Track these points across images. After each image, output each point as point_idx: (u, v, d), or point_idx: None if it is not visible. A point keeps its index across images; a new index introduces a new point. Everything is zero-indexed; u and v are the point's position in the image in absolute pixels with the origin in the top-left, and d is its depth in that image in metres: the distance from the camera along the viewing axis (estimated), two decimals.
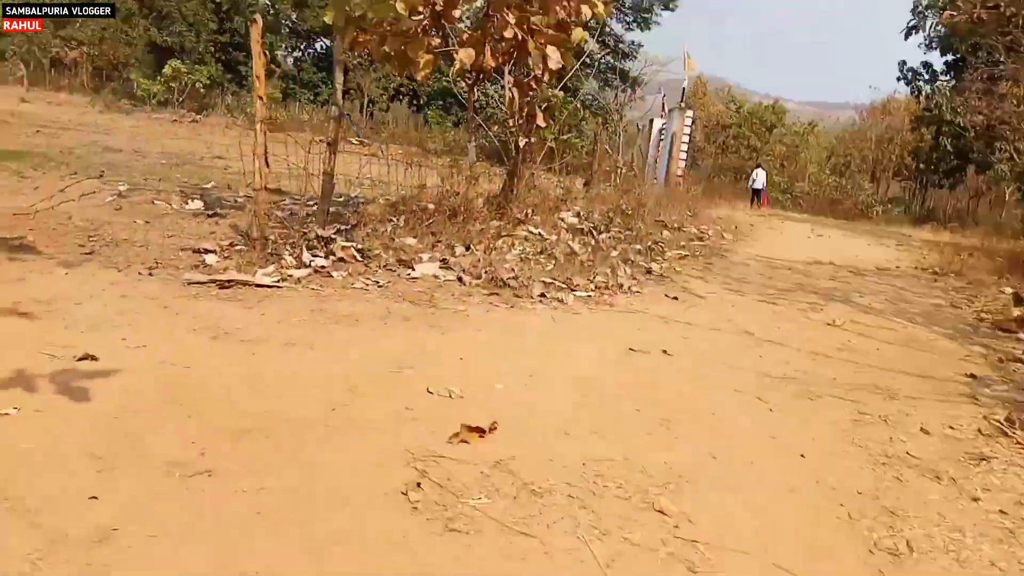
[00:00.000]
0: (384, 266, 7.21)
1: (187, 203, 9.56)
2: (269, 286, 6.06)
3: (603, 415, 4.19)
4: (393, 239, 8.17)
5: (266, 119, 6.74)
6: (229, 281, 5.95)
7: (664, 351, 5.61)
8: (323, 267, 6.77)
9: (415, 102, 38.64)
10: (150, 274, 5.99)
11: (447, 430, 3.66)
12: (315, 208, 9.73)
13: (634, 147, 19.75)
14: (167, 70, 29.58)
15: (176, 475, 2.96)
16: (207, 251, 6.84)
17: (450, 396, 4.18)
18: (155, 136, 19.47)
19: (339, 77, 8.11)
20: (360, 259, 7.21)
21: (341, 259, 7.10)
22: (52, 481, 2.81)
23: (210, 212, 8.84)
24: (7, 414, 3.28)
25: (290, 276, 6.39)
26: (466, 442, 3.60)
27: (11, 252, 6.15)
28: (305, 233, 7.24)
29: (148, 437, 3.25)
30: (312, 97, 37.57)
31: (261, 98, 6.67)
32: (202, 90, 31.18)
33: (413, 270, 7.19)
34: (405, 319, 5.68)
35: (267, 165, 6.72)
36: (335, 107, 7.73)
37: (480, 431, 3.68)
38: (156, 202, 9.33)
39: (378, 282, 6.61)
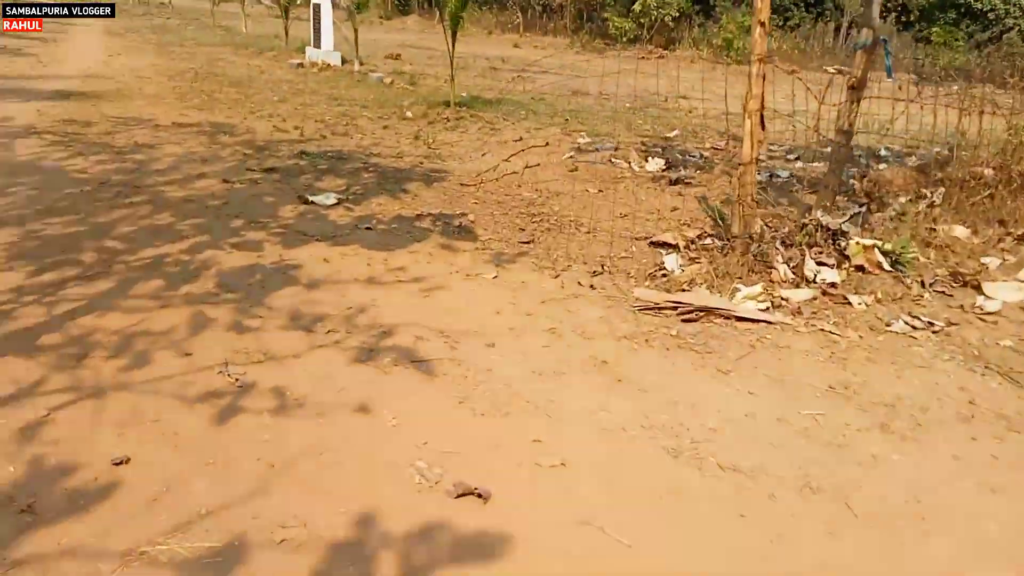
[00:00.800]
0: (929, 284, 4.37)
1: (646, 161, 7.73)
2: (755, 320, 3.80)
3: None
4: (932, 229, 5.19)
5: (766, 56, 4.33)
6: (696, 311, 3.85)
7: None
8: (833, 285, 4.25)
9: (903, 18, 31.66)
10: (591, 286, 4.19)
11: None
12: (804, 170, 7.10)
13: None
14: (636, 7, 28.56)
15: None
16: (667, 246, 4.85)
17: None
18: (622, 75, 18.41)
19: None
20: (888, 268, 4.49)
21: (860, 268, 4.48)
22: None
23: (673, 178, 6.84)
24: None
25: (784, 302, 4.04)
26: None
27: (447, 237, 4.94)
28: (804, 225, 4.75)
29: None
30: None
31: (762, 24, 4.27)
32: (671, 23, 29.59)
33: (984, 296, 4.23)
34: (1009, 428, 2.93)
35: (762, 126, 4.36)
36: (865, 30, 4.92)
37: None
38: (613, 160, 7.69)
39: (932, 322, 3.85)
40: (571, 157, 7.71)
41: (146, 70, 12.10)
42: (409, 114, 9.76)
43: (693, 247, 4.80)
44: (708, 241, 4.87)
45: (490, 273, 4.32)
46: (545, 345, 3.40)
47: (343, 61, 14.64)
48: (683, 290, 4.14)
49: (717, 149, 8.93)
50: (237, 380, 2.87)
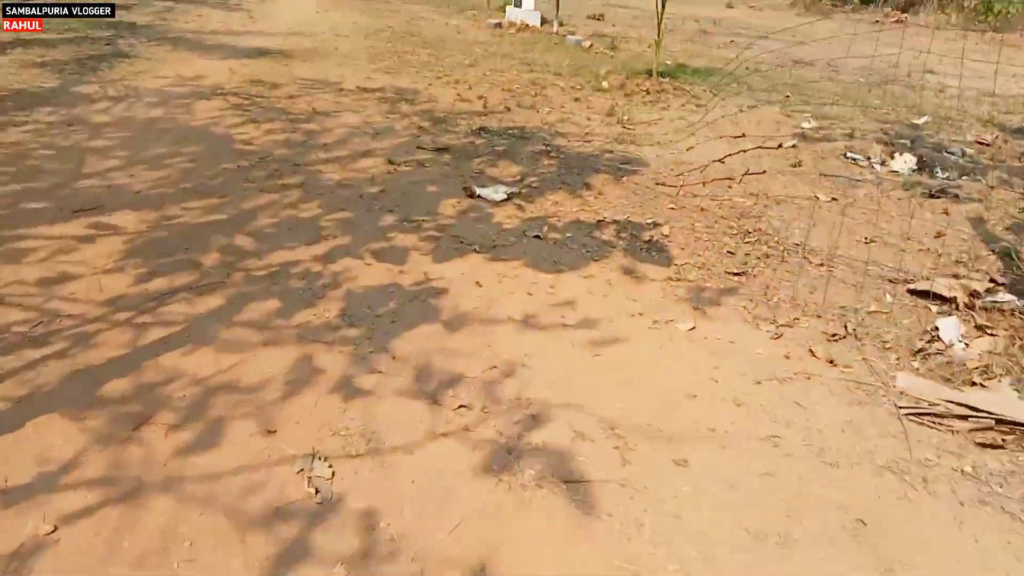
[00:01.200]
0: None
1: (891, 158, 6.06)
2: None
3: None
4: None
5: None
6: (997, 425, 2.49)
7: None
8: None
9: None
10: (830, 360, 2.92)
11: None
12: None
13: None
14: None
15: None
16: (940, 300, 3.42)
17: None
18: (853, 43, 15.79)
19: None
20: None
21: None
22: None
23: (934, 187, 5.20)
24: None
25: None
26: None
27: (633, 256, 3.84)
28: None
29: None
30: None
31: None
32: None
33: None
34: None
35: None
36: None
37: None
38: (848, 155, 6.10)
39: None
40: (794, 146, 6.22)
41: (346, 27, 11.85)
42: (605, 84, 8.60)
43: (978, 306, 3.34)
44: (1003, 298, 3.38)
45: (685, 321, 3.18)
46: (765, 472, 2.25)
47: (543, 21, 13.63)
48: (973, 383, 2.77)
49: (983, 144, 6.95)
50: (318, 491, 2.02)
